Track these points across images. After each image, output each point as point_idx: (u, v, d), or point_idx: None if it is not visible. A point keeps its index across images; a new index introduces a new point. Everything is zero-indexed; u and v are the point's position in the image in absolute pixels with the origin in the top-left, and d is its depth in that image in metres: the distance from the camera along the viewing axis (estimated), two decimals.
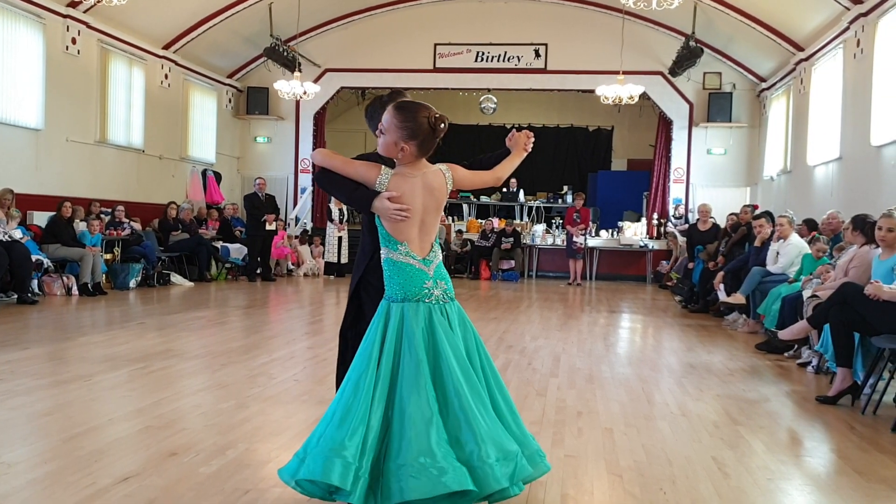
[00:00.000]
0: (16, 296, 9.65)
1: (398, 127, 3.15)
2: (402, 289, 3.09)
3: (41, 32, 12.07)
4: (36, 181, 11.92)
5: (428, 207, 3.19)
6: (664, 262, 16.35)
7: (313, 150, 18.45)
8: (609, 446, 4.13)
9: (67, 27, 12.65)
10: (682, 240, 14.87)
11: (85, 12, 12.78)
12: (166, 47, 15.44)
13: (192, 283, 13.21)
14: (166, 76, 15.70)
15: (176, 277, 13.12)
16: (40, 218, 11.44)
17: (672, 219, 17.31)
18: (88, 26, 13.08)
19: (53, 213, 11.21)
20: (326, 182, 3.37)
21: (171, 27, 15.18)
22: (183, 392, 5.24)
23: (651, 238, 17.46)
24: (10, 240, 9.59)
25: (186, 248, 13.86)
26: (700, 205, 13.68)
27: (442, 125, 3.24)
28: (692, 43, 15.11)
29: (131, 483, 3.31)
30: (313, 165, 2.99)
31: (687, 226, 15.29)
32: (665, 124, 18.01)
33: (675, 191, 17.85)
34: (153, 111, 15.26)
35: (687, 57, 15.37)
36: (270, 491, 3.29)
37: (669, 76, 17.02)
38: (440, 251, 3.28)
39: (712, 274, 10.67)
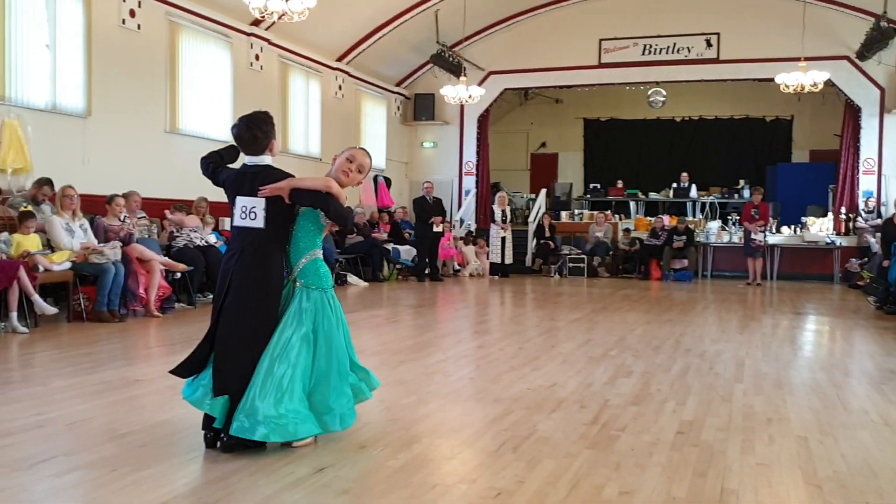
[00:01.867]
0: (211, 295, 10.42)
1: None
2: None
3: (229, 50, 13.00)
4: None
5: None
6: (854, 259, 15.23)
7: (477, 152, 18.96)
8: (804, 455, 3.91)
9: (251, 44, 13.56)
10: (873, 236, 13.81)
11: (266, 30, 13.63)
12: (339, 59, 16.18)
13: (366, 284, 13.76)
14: (340, 87, 16.44)
15: (352, 278, 13.72)
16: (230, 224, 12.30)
17: (862, 213, 16.10)
18: (270, 43, 13.95)
19: None
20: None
21: (344, 40, 15.88)
22: None
23: (838, 234, 16.33)
24: (206, 244, 10.38)
25: (361, 250, 14.49)
26: None
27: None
28: (884, 23, 14.01)
29: (327, 473, 3.50)
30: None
31: (880, 220, 14.18)
32: (852, 112, 16.80)
33: (866, 183, 16.59)
34: (328, 121, 16.02)
35: (877, 39, 14.27)
36: (456, 486, 3.37)
37: (857, 60, 15.89)
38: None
39: None
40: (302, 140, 15.26)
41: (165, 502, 3.11)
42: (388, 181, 18.15)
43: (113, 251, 8.51)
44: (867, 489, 3.42)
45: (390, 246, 15.30)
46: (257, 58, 13.74)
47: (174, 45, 11.83)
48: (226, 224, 12.26)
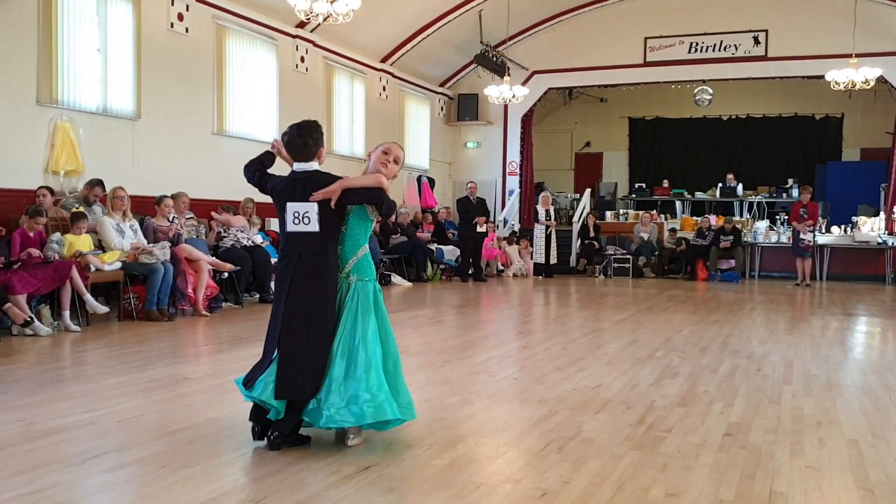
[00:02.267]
0: (258, 295, 10.58)
1: None
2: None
3: (275, 53, 13.16)
4: None
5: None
6: None
7: (520, 152, 18.91)
8: (856, 459, 3.83)
9: (297, 46, 13.71)
10: None
11: (311, 31, 13.77)
12: (383, 60, 16.27)
13: (410, 284, 13.81)
14: (384, 88, 16.54)
15: (396, 278, 13.79)
16: (276, 224, 12.43)
17: None
18: (315, 45, 14.09)
19: None
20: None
21: (388, 41, 15.97)
22: (411, 386, 5.42)
23: (891, 234, 15.93)
24: (252, 245, 10.52)
25: (405, 250, 14.56)
26: None
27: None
28: None
29: (372, 472, 3.52)
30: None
31: None
32: None
33: None
34: (373, 122, 16.12)
35: None
36: (501, 486, 3.37)
37: None
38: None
39: None
40: (347, 141, 15.38)
41: (213, 499, 3.16)
42: (431, 181, 18.20)
43: (162, 251, 8.68)
44: None
45: (434, 246, 15.34)
46: (302, 60, 13.89)
47: (221, 48, 12.02)
48: (272, 224, 12.43)
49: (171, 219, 9.34)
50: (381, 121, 16.55)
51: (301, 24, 13.34)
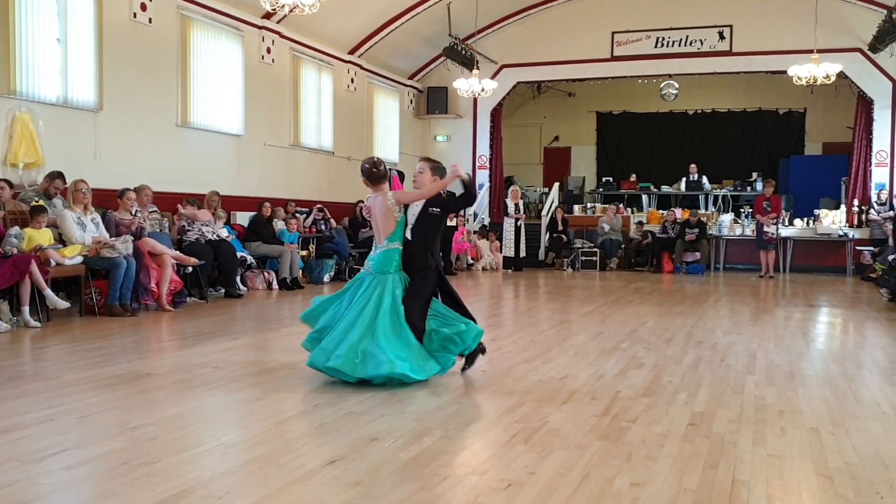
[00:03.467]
0: (223, 290, 10.47)
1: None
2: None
3: (240, 44, 13.00)
4: (238, 183, 12.86)
5: (382, 220, 5.54)
6: (867, 251, 15.13)
7: (490, 145, 18.92)
8: (816, 447, 3.88)
9: (263, 37, 13.56)
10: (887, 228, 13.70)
11: (278, 23, 13.63)
12: (351, 52, 16.16)
13: None
14: (352, 80, 16.44)
15: None
16: (242, 218, 12.34)
17: (875, 205, 15.98)
18: (281, 36, 13.95)
19: (254, 213, 12.05)
20: None
21: (356, 32, 15.86)
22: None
23: (851, 226, 16.21)
24: (217, 238, 10.41)
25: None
26: None
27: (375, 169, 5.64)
28: (895, 15, 13.86)
29: (337, 466, 3.50)
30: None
31: (892, 213, 14.07)
32: (865, 104, 16.65)
33: (878, 175, 16.47)
34: (341, 114, 16.02)
35: (889, 31, 14.14)
36: (467, 478, 3.37)
37: (869, 52, 15.74)
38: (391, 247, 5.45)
39: None
40: (314, 133, 15.26)
41: (174, 495, 3.11)
42: (401, 175, 17.80)
43: (124, 245, 8.54)
44: (878, 480, 3.39)
45: None
46: (269, 51, 13.75)
47: (185, 39, 11.85)
48: (237, 218, 12.33)
49: (133, 212, 9.19)
50: (350, 113, 16.45)
51: (267, 15, 13.20)
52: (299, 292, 11.32)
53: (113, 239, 8.63)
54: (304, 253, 12.61)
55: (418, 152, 19.49)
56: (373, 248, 5.53)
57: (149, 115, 11.19)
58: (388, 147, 17.99)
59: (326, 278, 12.61)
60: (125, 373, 5.48)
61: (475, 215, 18.34)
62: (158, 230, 9.78)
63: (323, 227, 13.47)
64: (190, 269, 9.60)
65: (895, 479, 3.41)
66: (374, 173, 5.52)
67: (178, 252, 9.50)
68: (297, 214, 13.11)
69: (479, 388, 5.18)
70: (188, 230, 10.14)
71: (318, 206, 13.82)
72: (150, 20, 11.10)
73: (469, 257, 16.33)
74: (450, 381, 5.33)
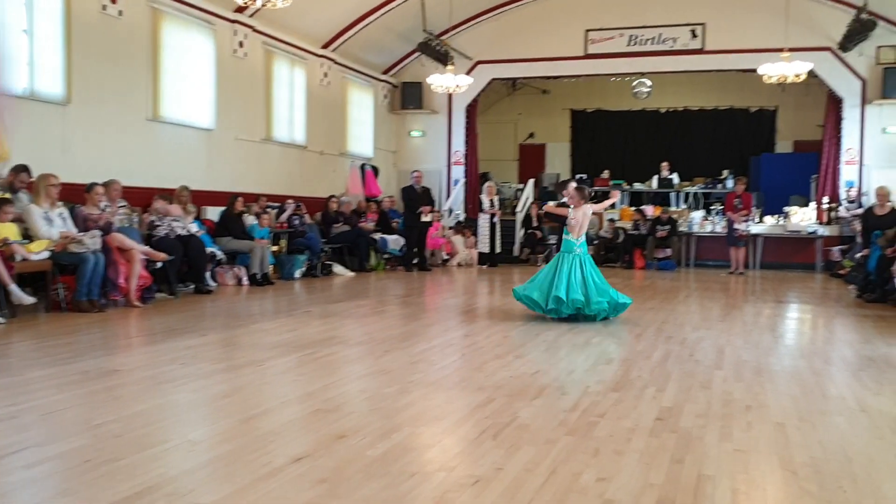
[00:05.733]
0: (193, 286, 10.37)
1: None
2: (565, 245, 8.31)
3: (212, 37, 12.87)
4: (209, 178, 12.73)
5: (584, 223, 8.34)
6: (835, 248, 15.33)
7: (465, 141, 18.91)
8: (782, 441, 3.92)
9: (235, 31, 13.43)
10: (856, 225, 13.89)
11: (251, 16, 13.50)
12: (325, 46, 16.06)
13: (353, 273, 13.70)
14: (325, 74, 16.34)
15: (338, 268, 13.66)
16: (213, 213, 12.23)
17: (844, 203, 16.19)
18: (254, 30, 13.83)
19: (225, 208, 11.94)
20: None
21: (330, 27, 15.77)
22: (349, 377, 5.46)
23: (821, 223, 16.41)
24: (187, 233, 10.30)
25: (347, 239, 14.43)
26: (878, 187, 12.71)
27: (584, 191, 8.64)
28: (864, 15, 14.05)
29: (304, 463, 3.47)
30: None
31: (861, 210, 14.27)
32: (835, 103, 16.84)
33: (847, 173, 16.65)
34: (314, 109, 15.92)
35: (858, 31, 14.31)
36: (435, 475, 3.36)
37: (839, 52, 15.91)
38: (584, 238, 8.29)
39: (891, 261, 9.90)
40: (287, 128, 15.15)
41: (138, 493, 3.08)
42: (375, 170, 18.08)
43: (93, 240, 8.43)
44: (841, 474, 3.43)
45: (378, 235, 15.25)
46: (241, 45, 13.62)
47: (156, 32, 11.70)
48: (208, 213, 12.22)
49: (102, 207, 9.07)
50: (323, 107, 16.36)
51: (240, 9, 13.04)
52: (270, 288, 11.25)
53: (81, 234, 8.51)
54: (275, 248, 12.52)
55: (393, 147, 19.48)
56: (573, 238, 8.31)
57: (118, 109, 11.04)
58: (362, 142, 17.93)
59: (298, 274, 12.54)
60: (91, 369, 5.40)
61: (451, 211, 18.33)
62: (128, 225, 9.65)
63: (296, 222, 13.38)
64: (159, 264, 9.47)
65: (858, 473, 3.46)
66: (586, 194, 8.68)
67: (147, 247, 9.38)
68: (269, 209, 13.02)
69: (451, 385, 5.18)
70: (158, 225, 10.02)
71: (297, 203, 13.69)
72: (119, 13, 10.94)
73: (444, 253, 16.32)
74: (421, 378, 5.32)
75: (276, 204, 13.58)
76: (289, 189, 14.79)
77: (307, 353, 6.17)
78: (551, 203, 9.18)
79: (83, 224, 8.79)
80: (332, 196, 15.00)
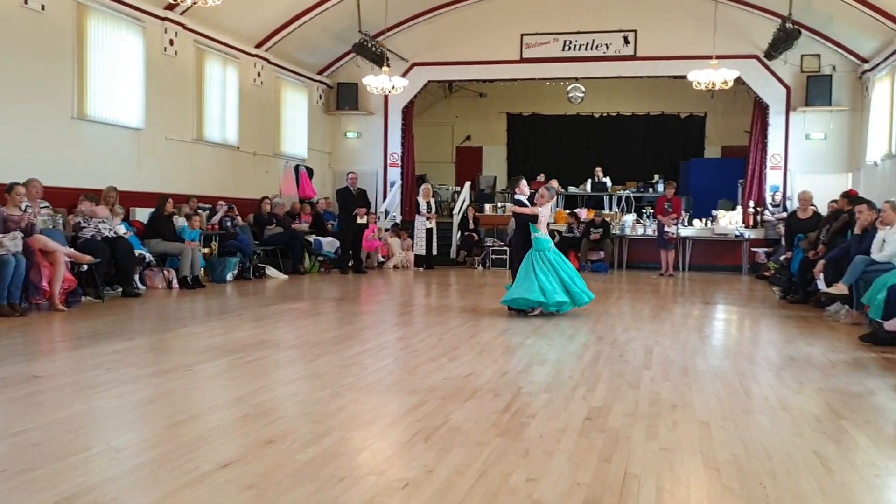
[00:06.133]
0: (121, 289, 10.10)
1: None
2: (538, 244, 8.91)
3: (141, 35, 12.57)
4: (137, 178, 12.43)
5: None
6: (761, 251, 15.82)
7: (402, 143, 18.89)
8: (706, 440, 4.02)
9: (165, 29, 13.15)
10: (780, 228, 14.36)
11: (182, 14, 13.23)
12: (258, 46, 15.85)
13: (286, 276, 13.55)
14: (259, 74, 16.13)
15: (271, 270, 13.48)
16: (142, 214, 11.94)
17: (769, 207, 16.73)
18: (185, 28, 13.55)
19: (154, 209, 11.66)
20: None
21: (263, 26, 15.57)
22: (279, 381, 5.39)
23: (747, 227, 16.91)
24: (114, 235, 10.04)
25: (280, 241, 14.24)
26: (800, 192, 13.15)
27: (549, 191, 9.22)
28: (789, 25, 14.53)
29: (231, 469, 3.41)
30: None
31: (785, 214, 14.75)
32: (761, 109, 17.40)
33: (773, 178, 17.25)
34: (247, 109, 15.69)
35: (783, 39, 14.79)
36: (365, 479, 3.34)
37: (765, 60, 16.45)
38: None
39: (813, 263, 10.25)
40: (218, 128, 14.89)
41: (57, 502, 2.98)
42: (310, 171, 17.91)
43: (13, 242, 8.14)
44: (762, 471, 3.54)
45: (312, 237, 15.10)
46: (171, 43, 13.33)
47: (82, 28, 11.36)
48: (136, 214, 11.93)
49: (23, 207, 8.75)
50: (256, 108, 16.14)
51: (170, 7, 12.80)
52: (200, 291, 11.04)
53: (1, 236, 8.20)
54: (206, 251, 12.29)
55: (327, 148, 19.33)
56: (543, 235, 9.06)
57: (41, 106, 10.69)
58: (295, 143, 17.74)
59: (230, 277, 12.33)
60: (11, 375, 5.21)
61: (387, 213, 18.28)
62: (51, 227, 9.36)
63: (228, 224, 13.15)
64: (85, 267, 9.21)
65: (777, 470, 3.56)
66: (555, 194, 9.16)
67: (71, 249, 9.11)
68: (200, 211, 12.77)
69: (383, 388, 5.16)
70: (84, 227, 9.73)
71: (229, 204, 13.45)
72: (42, 7, 10.60)
73: (380, 255, 16.26)
74: (353, 382, 5.29)
75: (208, 205, 13.34)
76: (220, 190, 14.54)
77: (237, 356, 6.07)
78: (511, 205, 9.91)
79: (3, 225, 8.46)
80: (266, 197, 14.80)
